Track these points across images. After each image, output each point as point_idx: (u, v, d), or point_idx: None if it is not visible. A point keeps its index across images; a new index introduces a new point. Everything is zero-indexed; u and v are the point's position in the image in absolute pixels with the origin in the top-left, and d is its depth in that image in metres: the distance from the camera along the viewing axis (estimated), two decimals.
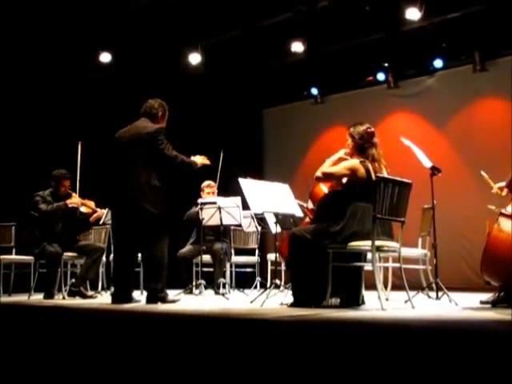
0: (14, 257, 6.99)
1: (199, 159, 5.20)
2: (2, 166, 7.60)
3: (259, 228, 6.92)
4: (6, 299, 6.31)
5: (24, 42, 7.64)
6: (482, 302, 4.43)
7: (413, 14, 7.31)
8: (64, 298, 6.00)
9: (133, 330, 3.59)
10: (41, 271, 6.25)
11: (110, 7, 7.63)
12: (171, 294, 5.68)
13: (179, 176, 5.28)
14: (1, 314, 4.94)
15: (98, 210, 6.37)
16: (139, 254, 5.43)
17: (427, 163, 5.36)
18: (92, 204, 6.37)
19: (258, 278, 7.36)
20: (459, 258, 7.79)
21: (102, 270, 6.82)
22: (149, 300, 4.91)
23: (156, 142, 4.92)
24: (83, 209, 6.32)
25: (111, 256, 6.77)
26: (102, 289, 6.88)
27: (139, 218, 4.90)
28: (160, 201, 4.94)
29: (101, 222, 6.59)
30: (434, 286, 5.25)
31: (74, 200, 6.26)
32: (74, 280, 6.37)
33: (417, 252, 5.68)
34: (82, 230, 6.58)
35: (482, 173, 4.91)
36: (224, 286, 6.68)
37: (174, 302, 4.98)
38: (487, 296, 4.46)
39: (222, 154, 6.57)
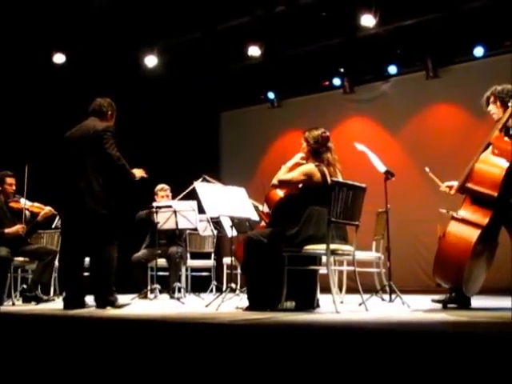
0: None
1: (137, 172, 5.15)
2: None
3: (215, 232, 6.90)
4: None
5: None
6: (433, 301, 4.51)
7: (368, 20, 7.41)
8: (14, 304, 5.84)
9: (85, 336, 3.52)
10: None
11: (65, 7, 7.49)
12: (126, 298, 5.61)
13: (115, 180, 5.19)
14: None
15: (47, 208, 6.21)
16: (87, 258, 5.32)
17: (381, 168, 5.44)
18: (39, 205, 6.22)
19: (214, 282, 7.34)
20: (412, 261, 7.92)
21: (54, 274, 6.68)
22: (98, 305, 4.82)
23: (102, 140, 4.86)
24: (33, 208, 6.16)
25: None
26: (55, 294, 6.73)
27: (88, 218, 4.82)
28: (109, 201, 4.88)
29: (53, 226, 6.46)
30: (387, 288, 5.33)
31: (18, 199, 6.10)
32: (24, 286, 6.22)
33: (371, 255, 5.76)
34: (31, 231, 6.39)
35: (427, 169, 5.01)
36: (179, 290, 6.64)
37: (123, 306, 4.91)
38: (439, 296, 4.54)
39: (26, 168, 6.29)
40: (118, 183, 5.03)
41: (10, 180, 6.19)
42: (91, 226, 4.84)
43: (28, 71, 7.97)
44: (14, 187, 6.20)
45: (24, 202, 6.09)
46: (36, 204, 6.20)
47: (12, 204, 6.13)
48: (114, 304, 4.84)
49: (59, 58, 8.25)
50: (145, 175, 5.24)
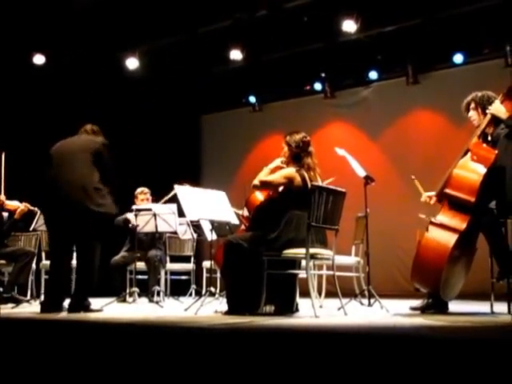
0: None
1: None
2: None
3: (195, 235, 6.88)
4: None
5: None
6: (411, 309, 4.55)
7: (349, 26, 7.46)
8: None
9: (61, 340, 3.48)
10: None
11: (46, 7, 7.43)
12: (104, 301, 5.57)
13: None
14: None
15: (23, 204, 6.14)
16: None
17: (361, 172, 5.47)
18: (15, 202, 6.14)
19: (193, 286, 7.31)
20: (391, 266, 7.97)
21: (31, 277, 6.60)
22: (71, 309, 4.76)
23: (103, 153, 4.92)
24: (8, 206, 6.09)
25: (41, 263, 6.58)
26: (31, 297, 6.65)
27: (81, 217, 4.77)
28: (110, 200, 4.88)
29: (31, 229, 6.38)
30: (366, 293, 5.35)
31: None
32: (1, 289, 6.14)
33: (350, 260, 5.78)
34: (8, 230, 6.31)
35: (413, 177, 5.05)
36: (158, 294, 6.60)
37: (98, 311, 4.87)
38: (417, 302, 4.58)
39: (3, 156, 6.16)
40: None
41: None
42: (78, 223, 4.78)
43: (7, 72, 7.88)
44: None
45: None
46: (11, 202, 6.12)
47: None
48: (88, 308, 4.79)
49: (39, 59, 8.18)
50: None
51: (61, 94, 8.11)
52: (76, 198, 4.76)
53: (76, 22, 7.69)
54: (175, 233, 6.72)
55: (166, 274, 7.27)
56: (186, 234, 6.91)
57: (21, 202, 6.18)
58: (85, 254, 4.85)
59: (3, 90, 7.94)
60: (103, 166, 4.90)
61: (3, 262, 6.09)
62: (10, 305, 5.80)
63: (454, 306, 4.56)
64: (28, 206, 6.11)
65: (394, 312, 4.59)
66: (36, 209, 6.10)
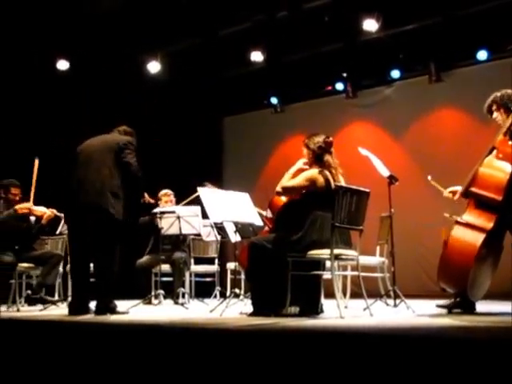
0: None
1: (147, 197, 5.30)
2: None
3: (219, 237, 6.89)
4: None
5: None
6: (438, 306, 4.50)
7: (370, 25, 7.43)
8: (18, 310, 5.85)
9: (89, 342, 3.52)
10: None
11: (69, 14, 7.52)
12: (129, 304, 5.62)
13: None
14: None
15: (50, 210, 6.23)
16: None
17: (385, 172, 5.43)
18: (42, 208, 6.23)
19: (218, 288, 7.33)
20: (416, 266, 7.90)
21: (58, 280, 6.68)
22: (98, 311, 4.82)
23: (125, 149, 4.94)
24: (36, 212, 6.18)
25: (68, 266, 6.66)
26: (59, 299, 6.72)
27: (99, 221, 4.81)
28: (122, 208, 4.90)
29: (57, 232, 6.46)
30: (391, 293, 5.32)
31: (23, 205, 6.12)
32: (29, 292, 6.23)
33: (375, 260, 5.75)
34: (36, 234, 6.41)
35: (429, 177, 5.01)
36: (183, 296, 6.63)
37: (124, 313, 4.91)
38: (444, 301, 4.53)
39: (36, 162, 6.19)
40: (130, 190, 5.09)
41: (15, 190, 6.22)
42: (102, 229, 4.82)
43: (32, 77, 7.99)
44: (18, 198, 6.22)
45: (28, 207, 6.11)
46: (39, 208, 6.22)
47: (18, 209, 6.13)
48: (114, 311, 4.84)
49: (63, 65, 8.28)
50: (152, 201, 5.43)
51: (84, 98, 8.20)
52: (94, 199, 4.82)
53: (98, 28, 7.77)
54: (199, 235, 6.75)
55: (190, 275, 7.31)
56: (210, 235, 6.94)
57: (47, 207, 6.26)
58: (103, 256, 4.88)
59: (29, 96, 8.06)
60: (124, 164, 4.92)
61: (31, 265, 6.17)
62: (39, 306, 5.87)
63: (482, 306, 4.51)
64: (54, 211, 6.20)
65: (420, 312, 4.55)
66: (62, 214, 6.18)
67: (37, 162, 6.09)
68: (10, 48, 7.66)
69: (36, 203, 6.19)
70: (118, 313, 4.84)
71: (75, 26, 7.73)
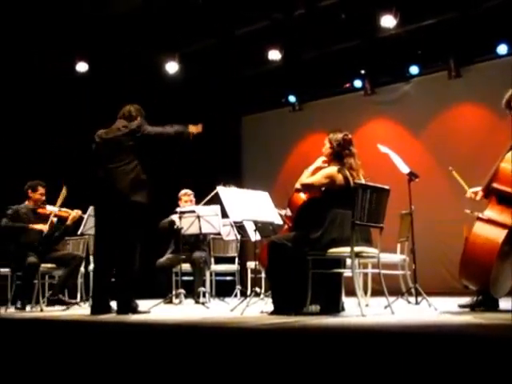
0: None
1: (192, 128, 5.19)
2: None
3: (238, 236, 6.90)
4: None
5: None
6: (460, 306, 4.47)
7: (388, 21, 7.38)
8: (42, 310, 5.92)
9: (111, 342, 3.55)
10: (18, 283, 6.15)
11: (87, 16, 7.59)
12: (150, 303, 5.65)
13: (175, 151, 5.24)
14: None
15: (73, 211, 6.30)
16: None
17: (405, 169, 5.40)
18: (66, 210, 6.31)
19: (238, 287, 7.34)
20: (438, 263, 7.85)
21: (80, 280, 6.74)
22: (120, 311, 4.85)
23: (141, 132, 4.96)
24: (61, 213, 6.26)
25: (90, 267, 6.72)
26: (81, 300, 6.80)
27: (129, 211, 4.84)
28: (148, 192, 4.94)
29: (79, 233, 6.52)
30: (413, 291, 5.28)
31: (45, 207, 6.20)
32: (51, 292, 6.31)
33: (396, 257, 5.71)
34: (61, 236, 6.48)
35: (450, 168, 4.96)
36: (204, 295, 6.65)
37: (145, 312, 4.94)
38: (466, 300, 4.49)
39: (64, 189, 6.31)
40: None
41: (42, 190, 6.32)
42: (124, 217, 4.85)
43: (52, 80, 8.07)
44: (43, 197, 6.32)
45: (52, 209, 6.18)
46: (63, 209, 6.29)
47: (40, 210, 6.23)
48: (135, 310, 4.87)
49: (82, 67, 8.35)
50: (200, 129, 5.31)
51: (103, 99, 8.26)
52: (123, 195, 4.85)
53: (116, 30, 7.83)
54: (219, 234, 6.76)
55: (210, 275, 7.33)
56: (230, 235, 6.95)
57: (72, 208, 6.33)
58: (124, 255, 4.92)
59: (49, 98, 8.15)
60: (147, 137, 4.94)
61: (53, 265, 6.25)
62: (60, 307, 5.93)
63: (505, 303, 4.46)
64: (79, 213, 6.26)
65: (443, 310, 4.52)
66: (85, 215, 6.24)
67: (64, 189, 6.17)
68: (30, 51, 7.75)
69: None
70: (140, 312, 4.87)
71: (94, 29, 7.80)
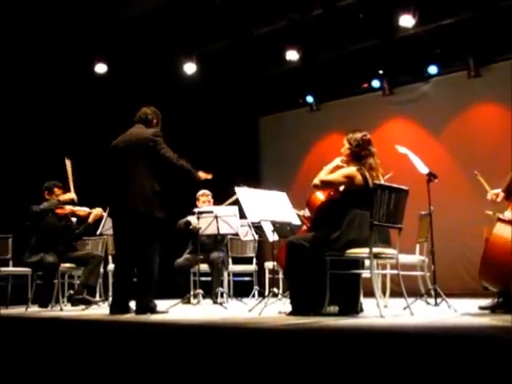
0: (11, 269, 6.96)
1: (202, 174, 5.20)
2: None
3: (256, 236, 6.90)
4: (3, 311, 6.27)
5: (18, 55, 7.65)
6: (480, 308, 4.43)
7: (406, 21, 7.33)
8: (62, 309, 5.97)
9: (132, 341, 3.57)
10: (38, 283, 6.22)
11: (105, 18, 7.64)
12: (168, 303, 5.68)
13: (176, 180, 5.28)
14: None
15: (94, 210, 6.35)
16: None
17: (424, 169, 5.37)
18: (85, 209, 6.36)
19: (256, 287, 7.34)
20: (457, 264, 7.78)
21: (99, 280, 6.79)
22: (139, 311, 4.88)
23: (156, 146, 4.95)
24: (79, 212, 6.31)
25: (108, 267, 6.77)
26: (100, 299, 6.83)
27: (141, 222, 4.88)
28: (162, 205, 4.96)
29: (98, 233, 6.57)
30: (432, 292, 5.25)
31: (67, 196, 6.24)
32: (71, 292, 6.36)
33: (415, 258, 5.68)
34: (82, 233, 6.54)
35: (476, 172, 4.93)
36: (222, 295, 6.66)
37: (164, 313, 4.96)
38: (486, 302, 4.45)
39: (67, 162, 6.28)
40: (182, 183, 5.06)
41: (58, 191, 6.36)
42: (141, 230, 4.89)
43: (71, 81, 8.14)
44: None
45: (70, 208, 6.24)
46: (82, 208, 6.34)
47: (59, 211, 6.28)
48: (154, 310, 4.89)
49: (101, 68, 8.41)
50: (209, 177, 5.28)
51: (122, 101, 8.31)
52: (137, 203, 4.88)
53: (134, 31, 7.87)
54: (237, 234, 6.76)
55: (228, 275, 7.34)
56: (248, 235, 6.95)
57: (90, 207, 6.38)
58: (144, 256, 4.94)
59: (68, 100, 8.22)
60: (160, 159, 4.94)
61: (73, 265, 6.30)
62: (81, 307, 5.99)
63: None
64: (101, 210, 6.31)
65: (462, 312, 4.48)
66: (105, 214, 6.29)
67: (68, 161, 6.20)
68: (50, 53, 7.83)
69: (78, 203, 6.32)
70: (158, 312, 4.90)
71: (111, 30, 7.85)
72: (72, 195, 6.23)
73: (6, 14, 7.14)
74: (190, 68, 8.58)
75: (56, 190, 6.35)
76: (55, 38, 7.68)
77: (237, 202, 5.50)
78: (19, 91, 7.86)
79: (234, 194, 5.43)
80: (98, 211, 6.33)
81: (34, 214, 6.17)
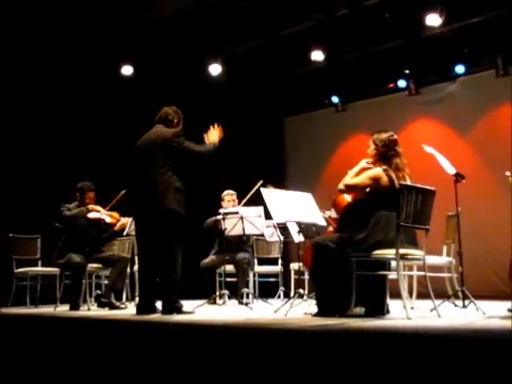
0: (39, 269, 7.08)
1: (214, 136, 5.17)
2: (28, 179, 7.70)
3: (282, 237, 6.90)
4: (32, 310, 6.38)
5: (47, 57, 7.76)
6: (509, 310, 4.36)
7: (433, 20, 7.26)
8: (89, 309, 6.04)
9: (158, 341, 3.60)
10: (66, 282, 6.30)
11: (130, 20, 7.71)
12: (194, 304, 5.71)
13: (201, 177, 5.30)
14: (28, 325, 4.99)
15: (123, 218, 6.42)
16: None
17: (451, 170, 5.32)
18: (116, 214, 6.43)
19: (282, 288, 7.34)
20: (485, 266, 7.68)
21: (126, 280, 6.86)
22: (165, 311, 4.91)
23: (179, 145, 4.99)
24: (108, 219, 6.38)
25: (135, 267, 6.83)
26: (127, 299, 6.91)
27: (164, 219, 4.91)
28: (183, 202, 4.99)
29: (124, 233, 6.63)
30: (460, 294, 5.19)
31: (96, 207, 6.33)
32: (99, 291, 6.43)
33: (442, 260, 5.62)
34: (107, 239, 6.63)
35: (508, 173, 4.86)
36: (247, 296, 6.67)
37: (190, 313, 4.98)
38: None
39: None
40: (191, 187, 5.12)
41: (91, 193, 6.43)
42: (167, 226, 4.92)
43: (97, 83, 8.23)
44: (92, 202, 6.44)
45: (102, 215, 6.31)
46: (112, 213, 6.41)
47: (91, 216, 6.33)
48: (180, 310, 4.92)
49: (127, 70, 8.48)
50: (218, 131, 5.24)
51: (148, 102, 8.38)
52: (160, 201, 4.91)
53: (159, 33, 7.93)
54: (262, 235, 6.77)
55: (254, 276, 7.35)
56: (273, 236, 6.96)
57: (120, 213, 6.43)
58: (167, 256, 4.97)
59: (95, 102, 8.31)
60: (182, 152, 4.98)
61: (100, 266, 6.37)
62: (107, 309, 6.04)
63: None
64: (128, 221, 6.38)
65: (491, 314, 4.42)
66: (131, 219, 6.34)
67: (122, 193, 6.28)
68: (77, 55, 7.93)
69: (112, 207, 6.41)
70: (184, 312, 4.92)
71: (137, 32, 7.92)
72: (99, 208, 6.31)
73: (36, 15, 7.23)
74: (215, 69, 8.61)
75: (88, 192, 6.41)
76: (82, 40, 7.77)
77: (262, 202, 5.49)
78: (47, 93, 7.98)
79: (257, 183, 5.39)
80: (124, 221, 6.40)
81: (64, 218, 6.26)
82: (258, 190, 5.45)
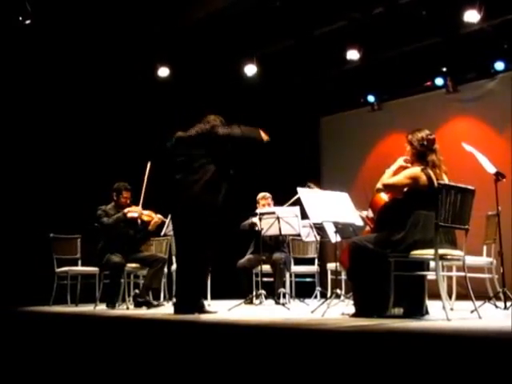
0: (79, 268, 7.21)
1: (264, 135, 5.17)
2: (69, 181, 7.85)
3: (318, 237, 6.88)
4: (73, 309, 6.50)
5: (86, 59, 7.89)
6: None
7: (472, 16, 7.14)
8: (128, 308, 6.13)
9: (194, 341, 3.63)
10: (105, 282, 6.40)
11: (167, 22, 7.79)
12: (231, 303, 5.74)
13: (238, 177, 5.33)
14: (68, 323, 5.09)
15: (157, 217, 6.48)
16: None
17: (491, 169, 5.23)
18: (151, 213, 6.50)
19: (318, 288, 7.32)
20: None
21: (163, 280, 6.93)
22: (187, 309, 4.93)
23: (214, 130, 5.03)
24: (145, 218, 6.45)
25: (172, 267, 6.90)
26: (164, 299, 6.98)
27: (200, 210, 4.93)
28: (220, 193, 5.02)
29: (162, 234, 6.70)
30: (501, 295, 5.10)
31: (132, 208, 6.40)
32: (137, 291, 6.52)
33: (482, 260, 5.53)
34: (143, 239, 6.71)
35: None
36: (284, 296, 6.68)
37: (211, 313, 5.01)
38: None
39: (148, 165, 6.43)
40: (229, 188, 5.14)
41: (127, 194, 6.52)
42: (204, 218, 4.94)
43: (133, 85, 8.34)
44: (128, 201, 6.53)
45: (137, 214, 6.38)
46: (147, 212, 6.48)
47: (128, 216, 6.41)
48: (202, 309, 4.95)
49: (163, 72, 8.57)
50: (268, 139, 5.25)
51: (184, 104, 8.45)
52: (197, 199, 4.95)
53: (195, 35, 7.99)
54: (298, 235, 6.76)
55: (290, 276, 7.34)
56: (309, 236, 6.94)
57: (155, 211, 6.50)
58: (196, 254, 5.00)
59: (133, 104, 8.42)
60: (218, 142, 5.01)
61: (138, 265, 6.45)
62: (144, 309, 6.12)
63: None
64: (162, 218, 6.45)
65: None
66: (167, 219, 6.39)
67: (149, 164, 6.36)
68: (115, 59, 8.04)
69: (144, 206, 6.46)
70: (207, 312, 4.96)
71: (174, 34, 7.99)
72: (138, 209, 6.38)
73: (74, 15, 7.35)
74: (250, 70, 8.63)
75: (124, 193, 6.50)
76: (120, 43, 7.87)
77: (298, 203, 5.49)
78: (86, 95, 8.12)
79: (296, 194, 5.41)
80: (158, 219, 6.46)
81: (102, 225, 6.36)
82: (296, 192, 5.44)
